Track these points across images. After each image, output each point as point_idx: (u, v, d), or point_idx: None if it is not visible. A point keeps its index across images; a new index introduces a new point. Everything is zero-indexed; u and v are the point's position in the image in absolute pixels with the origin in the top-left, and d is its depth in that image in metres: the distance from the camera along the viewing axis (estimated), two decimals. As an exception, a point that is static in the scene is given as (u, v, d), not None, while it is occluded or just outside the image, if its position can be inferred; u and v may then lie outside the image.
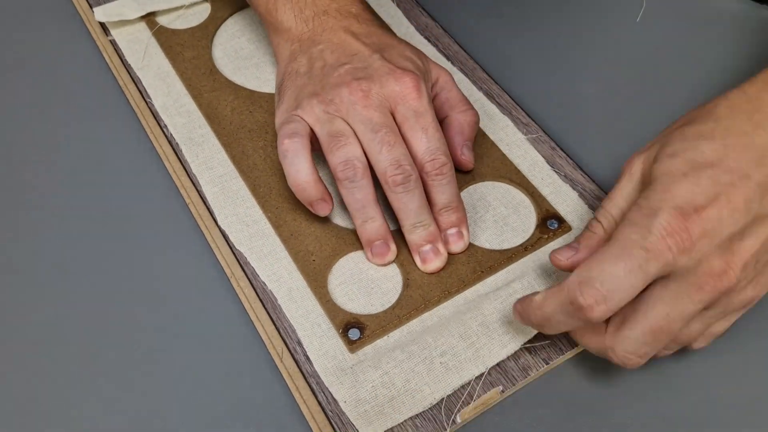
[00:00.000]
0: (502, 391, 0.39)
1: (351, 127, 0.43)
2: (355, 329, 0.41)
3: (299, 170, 0.42)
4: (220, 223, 0.45)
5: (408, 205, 0.42)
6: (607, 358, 0.36)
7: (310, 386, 0.39)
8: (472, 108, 0.47)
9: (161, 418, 0.39)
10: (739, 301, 0.35)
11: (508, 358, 0.40)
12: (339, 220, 0.45)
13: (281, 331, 0.41)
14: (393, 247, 0.43)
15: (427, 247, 0.43)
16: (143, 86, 0.52)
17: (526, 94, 0.52)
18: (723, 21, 0.56)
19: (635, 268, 0.32)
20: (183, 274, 0.45)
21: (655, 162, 0.35)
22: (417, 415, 0.38)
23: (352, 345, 0.40)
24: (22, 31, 0.57)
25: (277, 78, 0.48)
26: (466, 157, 0.46)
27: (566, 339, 0.40)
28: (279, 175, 0.47)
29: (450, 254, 0.43)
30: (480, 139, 0.49)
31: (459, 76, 0.53)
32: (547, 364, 0.40)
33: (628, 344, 0.34)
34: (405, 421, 0.38)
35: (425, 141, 0.42)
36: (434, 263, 0.43)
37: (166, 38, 0.55)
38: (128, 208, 0.47)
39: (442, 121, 0.47)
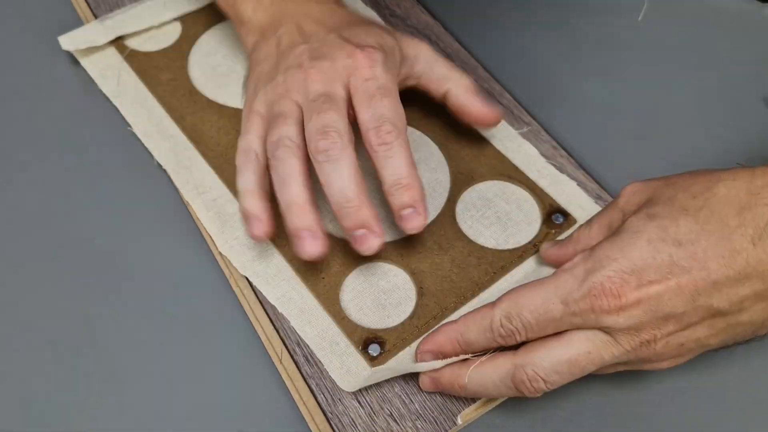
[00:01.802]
0: None
1: (297, 105, 0.41)
2: (374, 345, 0.40)
3: (243, 179, 0.41)
4: (220, 248, 0.44)
5: (331, 177, 0.38)
6: (511, 380, 0.35)
7: (309, 387, 0.39)
8: (463, 72, 0.45)
9: (160, 419, 0.39)
10: (650, 366, 0.35)
11: None
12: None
13: (280, 332, 0.41)
14: (322, 239, 0.38)
15: (360, 233, 0.38)
16: (121, 114, 0.50)
17: (527, 93, 0.51)
18: (723, 21, 0.55)
19: (550, 320, 0.34)
20: (181, 274, 0.44)
21: (636, 212, 0.35)
22: (418, 416, 0.38)
23: (374, 361, 0.40)
24: (26, 47, 0.55)
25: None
26: (494, 108, 0.44)
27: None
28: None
29: (411, 235, 0.41)
30: (473, 138, 0.48)
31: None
32: None
33: (542, 366, 0.34)
34: (406, 423, 0.38)
35: (370, 108, 0.39)
36: (366, 247, 0.39)
37: (139, 62, 0.53)
38: (125, 209, 0.47)
39: (444, 94, 0.45)
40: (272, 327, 0.41)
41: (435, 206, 0.45)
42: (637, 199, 0.36)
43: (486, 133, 0.49)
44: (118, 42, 0.54)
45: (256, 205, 0.40)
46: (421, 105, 0.49)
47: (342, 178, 0.38)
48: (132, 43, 0.54)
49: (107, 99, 0.51)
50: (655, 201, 0.35)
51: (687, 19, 0.56)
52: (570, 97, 0.52)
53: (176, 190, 0.47)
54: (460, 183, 0.46)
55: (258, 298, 0.42)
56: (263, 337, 0.41)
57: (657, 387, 0.39)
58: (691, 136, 0.49)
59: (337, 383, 0.39)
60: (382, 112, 0.39)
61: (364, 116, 0.39)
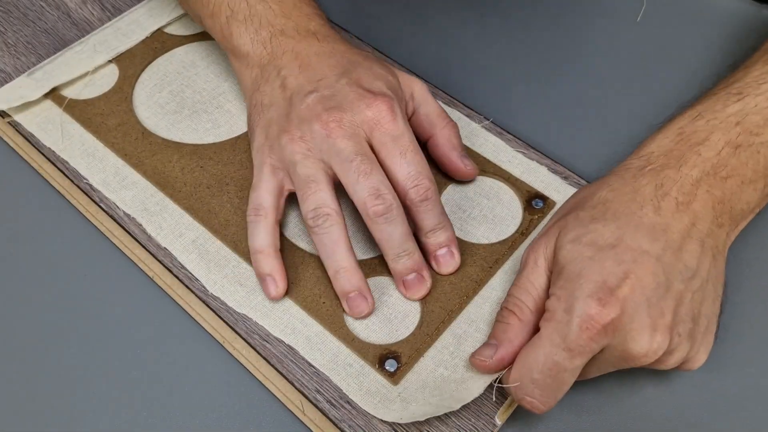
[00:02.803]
0: None
1: (324, 163, 0.41)
2: (391, 360, 0.40)
3: (254, 239, 0.42)
4: (210, 290, 0.43)
5: (392, 235, 0.40)
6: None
7: (342, 431, 0.38)
8: (452, 120, 0.46)
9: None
10: (675, 360, 0.36)
11: None
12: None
13: (295, 383, 0.40)
14: (370, 299, 0.41)
15: (412, 275, 0.41)
16: (72, 168, 0.48)
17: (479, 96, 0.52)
18: (723, 21, 0.56)
19: (562, 370, 0.34)
20: (174, 352, 0.42)
21: (559, 249, 0.36)
22: (458, 429, 0.38)
23: (394, 377, 0.39)
24: None
25: (246, 110, 0.46)
26: (470, 166, 0.45)
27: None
28: (257, 225, 0.45)
29: (442, 275, 0.43)
30: (440, 138, 0.49)
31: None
32: None
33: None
34: None
35: (405, 165, 0.40)
36: (419, 291, 0.42)
37: (81, 111, 0.50)
38: (88, 297, 0.44)
39: (427, 139, 0.46)
40: (285, 380, 0.40)
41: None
42: (547, 249, 0.37)
43: (451, 131, 0.49)
44: (53, 93, 0.51)
45: (270, 265, 0.41)
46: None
47: (401, 233, 0.40)
48: (69, 93, 0.51)
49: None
50: (567, 231, 0.37)
51: (686, 20, 0.56)
52: (548, 97, 0.53)
53: (135, 261, 0.45)
54: (439, 185, 0.46)
55: (260, 354, 0.41)
56: (278, 393, 0.40)
57: (667, 389, 0.40)
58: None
59: (362, 406, 0.39)
60: (418, 169, 0.40)
61: (400, 173, 0.40)
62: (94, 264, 0.45)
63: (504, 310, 0.38)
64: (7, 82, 0.52)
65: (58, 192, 0.48)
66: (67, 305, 0.44)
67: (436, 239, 0.42)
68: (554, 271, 0.36)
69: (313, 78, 0.42)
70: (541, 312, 0.37)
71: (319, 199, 0.40)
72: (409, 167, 0.40)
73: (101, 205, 0.46)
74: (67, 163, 0.48)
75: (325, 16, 0.47)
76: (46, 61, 0.52)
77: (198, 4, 0.47)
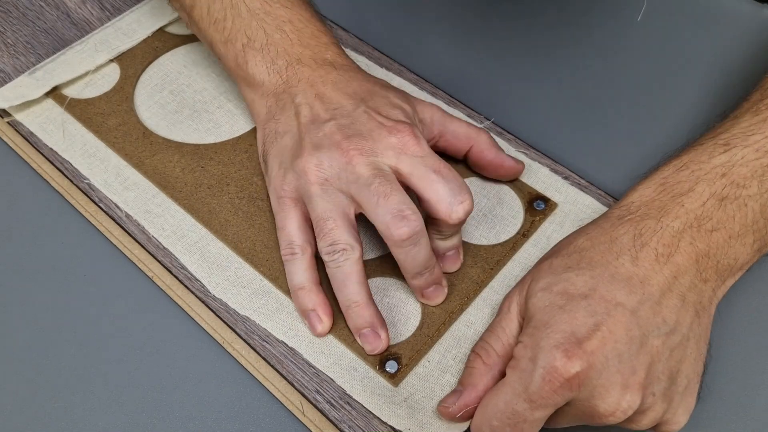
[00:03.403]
0: None
1: (343, 193, 0.40)
2: (391, 361, 0.40)
3: (293, 277, 0.41)
4: (213, 292, 0.43)
5: (416, 257, 0.39)
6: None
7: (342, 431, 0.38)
8: (478, 128, 0.45)
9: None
10: (648, 421, 0.34)
11: None
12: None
13: (295, 384, 0.40)
14: (384, 334, 0.40)
15: (432, 288, 0.41)
16: (73, 167, 0.48)
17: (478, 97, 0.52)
18: (723, 21, 0.56)
19: (521, 420, 0.33)
20: (174, 352, 0.42)
21: (530, 297, 0.36)
22: None
23: (394, 378, 0.39)
24: None
25: (258, 140, 0.45)
26: (520, 162, 0.45)
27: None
28: (257, 227, 0.45)
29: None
30: (441, 139, 0.49)
31: (397, 79, 0.52)
32: None
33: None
34: None
35: (443, 183, 0.39)
36: (439, 298, 0.42)
37: (82, 110, 0.50)
38: (87, 297, 0.44)
39: (467, 152, 0.46)
40: (285, 381, 0.40)
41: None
42: (520, 298, 0.37)
43: (452, 133, 0.49)
44: (54, 92, 0.51)
45: (312, 300, 0.41)
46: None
47: (425, 252, 0.39)
48: (70, 92, 0.51)
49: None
50: (539, 279, 0.36)
51: (686, 20, 0.56)
52: (545, 96, 0.53)
53: (135, 262, 0.45)
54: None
55: (259, 354, 0.41)
56: (278, 394, 0.40)
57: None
58: (690, 136, 0.47)
59: (368, 407, 0.39)
60: (458, 183, 0.39)
61: (441, 191, 0.39)
62: (93, 264, 0.45)
63: (471, 353, 0.38)
64: (6, 82, 0.52)
65: (58, 192, 0.48)
66: (65, 305, 0.44)
67: (445, 244, 0.42)
68: (525, 319, 0.36)
69: (329, 107, 0.42)
70: (509, 358, 0.36)
71: (335, 236, 0.39)
72: (449, 183, 0.39)
73: (100, 205, 0.46)
74: (68, 163, 0.48)
75: (341, 47, 0.46)
76: (47, 60, 0.52)
77: (212, 30, 0.46)
